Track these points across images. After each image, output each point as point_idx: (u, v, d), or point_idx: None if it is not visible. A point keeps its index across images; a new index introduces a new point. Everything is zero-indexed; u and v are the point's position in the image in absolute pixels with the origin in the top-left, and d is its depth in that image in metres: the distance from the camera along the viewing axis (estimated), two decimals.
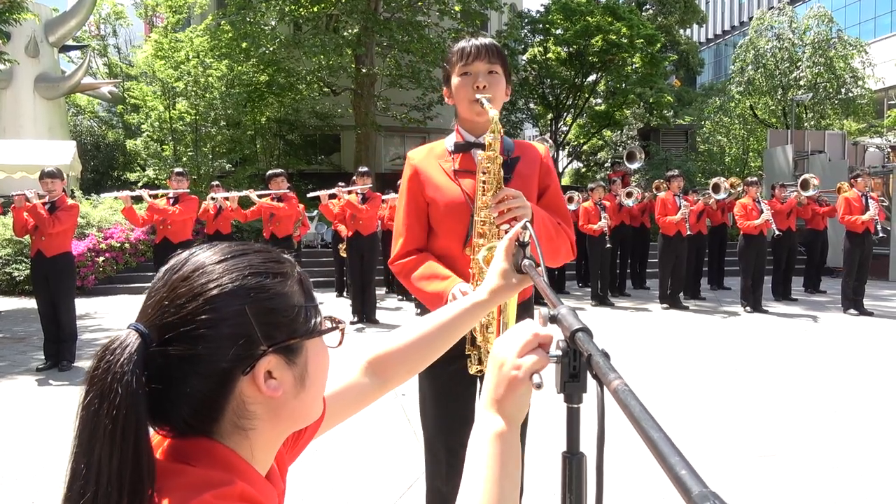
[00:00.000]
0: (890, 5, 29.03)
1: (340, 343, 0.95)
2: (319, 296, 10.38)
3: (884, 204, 10.61)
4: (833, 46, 21.58)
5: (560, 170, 24.00)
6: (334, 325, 0.90)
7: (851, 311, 8.17)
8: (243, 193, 7.10)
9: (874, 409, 4.19)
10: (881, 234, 8.31)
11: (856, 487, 2.99)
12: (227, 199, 7.60)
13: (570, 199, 9.37)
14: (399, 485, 2.98)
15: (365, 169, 7.57)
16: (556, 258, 1.78)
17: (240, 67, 15.12)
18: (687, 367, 5.41)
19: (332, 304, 9.24)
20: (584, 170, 27.48)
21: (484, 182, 1.65)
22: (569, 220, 1.86)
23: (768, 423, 3.93)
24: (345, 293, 9.64)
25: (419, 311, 7.98)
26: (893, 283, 11.51)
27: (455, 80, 1.77)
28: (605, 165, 24.05)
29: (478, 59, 1.73)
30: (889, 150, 16.10)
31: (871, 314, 8.05)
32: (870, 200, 8.07)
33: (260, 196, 6.87)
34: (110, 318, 8.02)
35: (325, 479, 3.08)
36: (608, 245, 8.95)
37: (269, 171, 7.13)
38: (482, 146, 1.73)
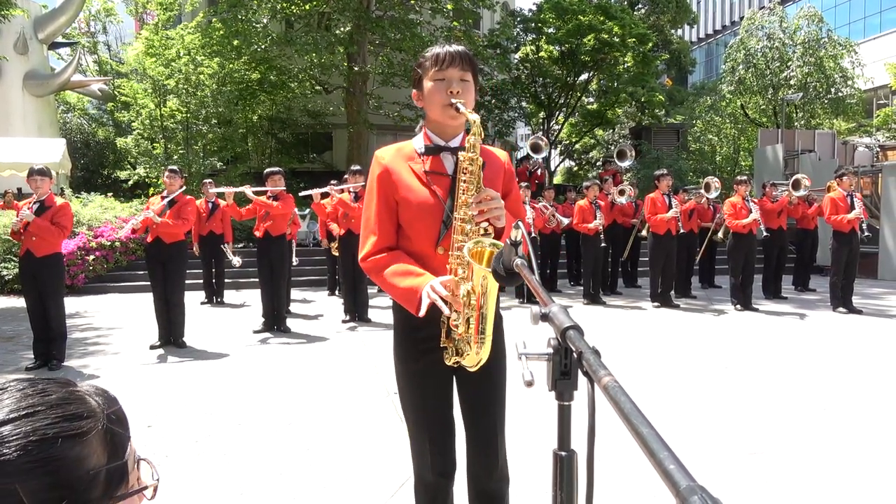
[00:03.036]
0: (879, 6, 29.24)
1: (154, 496, 0.83)
2: (311, 294, 10.29)
3: (866, 197, 10.69)
4: (823, 46, 21.73)
5: (552, 168, 24.04)
6: (141, 488, 0.79)
7: (840, 309, 8.23)
8: (239, 189, 7.04)
9: (863, 407, 4.23)
10: (867, 234, 8.38)
11: (844, 484, 3.02)
12: (221, 195, 7.54)
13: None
14: (391, 483, 2.99)
15: (357, 167, 7.56)
16: None
17: (231, 65, 15.05)
18: (677, 365, 5.44)
19: (324, 303, 9.24)
20: (576, 168, 27.55)
21: (465, 182, 1.71)
22: (525, 223, 1.93)
23: (757, 420, 3.97)
24: (337, 292, 9.64)
25: None
26: (882, 282, 11.61)
27: (428, 84, 1.81)
28: (597, 164, 24.11)
29: (452, 66, 1.78)
30: (878, 149, 16.23)
31: (860, 312, 8.11)
32: (855, 200, 8.14)
33: (256, 193, 6.82)
34: (100, 317, 7.99)
35: (317, 478, 3.09)
36: (602, 244, 8.99)
37: (267, 169, 7.08)
38: (452, 150, 1.81)
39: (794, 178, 9.81)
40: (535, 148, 13.03)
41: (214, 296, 9.33)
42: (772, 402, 4.36)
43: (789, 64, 21.88)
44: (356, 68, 15.65)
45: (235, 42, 14.87)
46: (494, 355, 1.84)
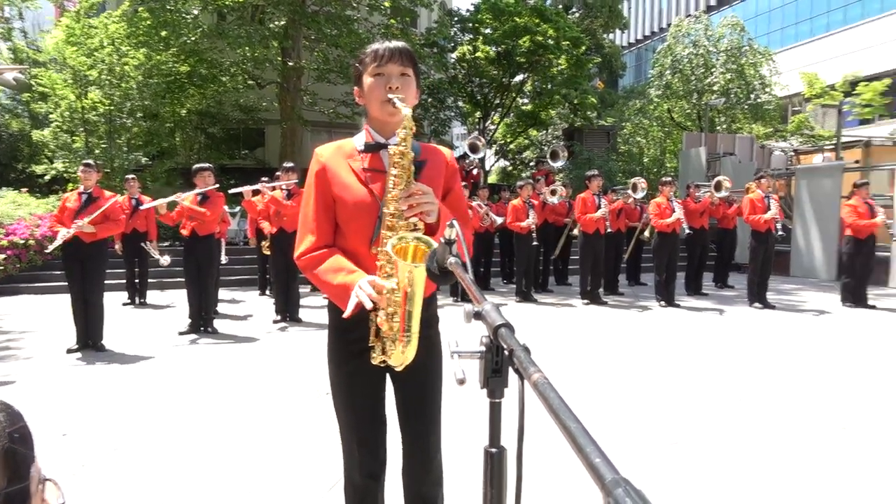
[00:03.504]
0: (795, 17, 30.95)
1: None
2: (241, 294, 10.01)
3: (781, 199, 11.29)
4: (744, 54, 22.82)
5: (487, 168, 24.29)
6: None
7: (756, 304, 8.68)
8: (169, 199, 6.70)
9: (775, 396, 4.47)
10: (781, 233, 8.87)
11: (759, 470, 3.18)
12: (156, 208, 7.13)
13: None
14: (323, 484, 2.95)
15: (290, 164, 7.41)
16: None
17: (158, 56, 14.46)
18: (605, 360, 5.61)
19: (255, 303, 9.02)
20: (510, 168, 27.93)
21: (395, 176, 1.69)
22: (468, 222, 1.94)
23: (679, 411, 4.13)
24: (268, 291, 9.44)
25: None
26: (794, 278, 12.30)
27: (368, 80, 1.80)
28: (531, 164, 24.53)
29: (391, 62, 1.77)
30: (792, 153, 17.19)
31: (773, 307, 8.58)
32: (771, 201, 8.61)
33: (184, 198, 6.56)
34: (11, 320, 7.54)
35: (246, 483, 3.01)
36: (535, 242, 9.15)
37: (196, 166, 6.81)
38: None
39: (716, 179, 10.26)
40: (473, 148, 13.12)
41: (137, 296, 8.95)
42: (693, 393, 4.55)
43: (713, 70, 22.87)
44: (291, 63, 15.34)
45: (163, 33, 14.30)
46: (429, 355, 1.84)
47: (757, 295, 8.73)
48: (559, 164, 14.43)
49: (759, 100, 22.76)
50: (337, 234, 1.85)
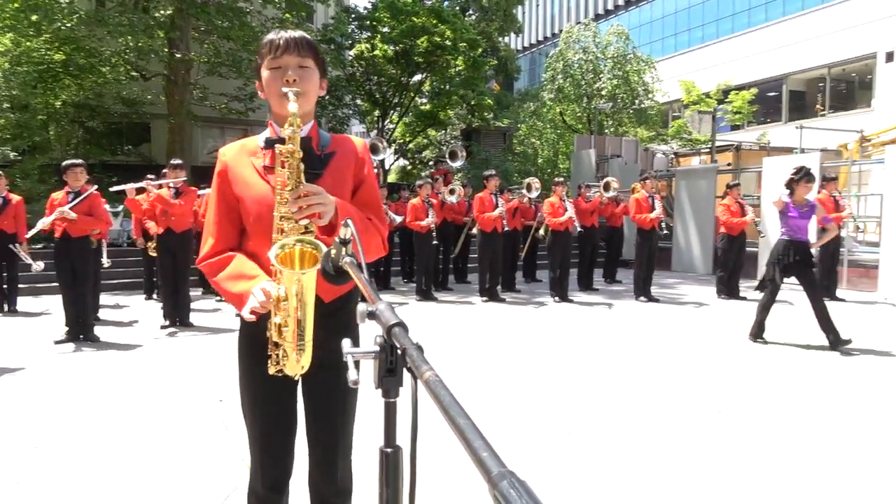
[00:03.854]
0: (674, 28, 33.04)
1: None
2: (125, 299, 9.44)
3: (663, 199, 12.01)
4: (629, 62, 24.09)
5: (387, 167, 24.24)
6: None
7: (642, 298, 9.21)
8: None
9: (660, 384, 4.77)
10: (665, 231, 9.46)
11: (646, 453, 3.37)
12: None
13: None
14: (218, 493, 2.83)
15: (178, 161, 7.05)
16: (367, 254, 1.76)
17: (29, 43, 13.29)
18: (504, 355, 5.75)
19: (140, 308, 8.53)
20: (409, 167, 28.02)
21: (284, 177, 1.62)
22: (382, 215, 1.86)
23: (572, 401, 4.31)
24: (155, 295, 8.95)
25: (238, 312, 7.60)
26: (675, 273, 13.14)
27: (265, 73, 1.72)
28: (430, 163, 24.73)
29: (287, 53, 1.68)
30: (673, 155, 18.37)
31: (657, 300, 9.14)
32: (655, 200, 9.17)
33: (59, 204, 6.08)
34: None
35: (140, 492, 2.84)
36: (434, 241, 9.23)
37: (66, 161, 6.32)
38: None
39: (605, 180, 10.78)
40: (374, 149, 13.01)
41: (6, 303, 8.21)
42: (586, 383, 4.76)
43: (601, 76, 23.99)
44: (178, 55, 14.59)
45: (34, 17, 13.17)
46: (345, 364, 1.78)
47: (642, 289, 9.26)
48: (458, 163, 14.64)
49: (642, 105, 24.12)
50: (244, 235, 1.77)
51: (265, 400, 1.78)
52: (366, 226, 1.73)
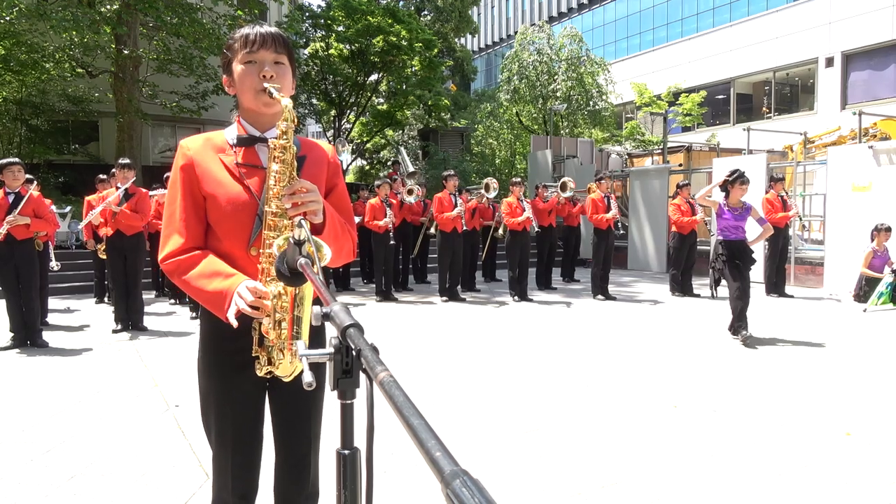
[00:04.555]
0: (626, 31, 33.69)
1: None
2: (76, 303, 9.15)
3: (618, 199, 12.24)
4: (583, 64, 24.46)
5: (345, 167, 24.06)
6: None
7: (599, 296, 9.37)
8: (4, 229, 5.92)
9: (618, 380, 4.85)
10: (621, 231, 9.65)
11: (605, 448, 3.43)
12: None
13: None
14: (174, 501, 2.76)
15: (126, 161, 6.84)
16: (339, 257, 1.72)
17: None
18: (464, 354, 5.77)
19: (91, 312, 8.26)
20: (367, 167, 27.89)
21: (277, 172, 1.58)
22: (352, 220, 1.84)
23: (533, 399, 4.35)
24: (106, 299, 8.69)
25: (194, 314, 7.46)
26: (632, 271, 13.41)
27: (238, 67, 1.66)
28: (388, 163, 24.66)
29: (263, 48, 1.64)
30: (626, 156, 18.73)
31: (614, 299, 9.31)
32: (611, 200, 9.33)
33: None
34: None
35: (92, 499, 2.75)
36: (392, 242, 9.21)
37: (2, 161, 6.07)
38: (268, 141, 1.64)
39: (562, 180, 10.93)
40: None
41: None
42: (545, 381, 4.81)
43: (556, 77, 24.29)
44: (126, 51, 14.18)
45: None
46: (312, 366, 1.75)
47: (600, 288, 9.41)
48: (411, 182, 14.52)
49: (597, 107, 24.51)
50: (210, 236, 1.69)
51: (237, 406, 1.71)
52: (343, 229, 1.72)
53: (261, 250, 1.59)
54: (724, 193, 6.29)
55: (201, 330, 1.76)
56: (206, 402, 1.75)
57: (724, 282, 6.38)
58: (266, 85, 1.61)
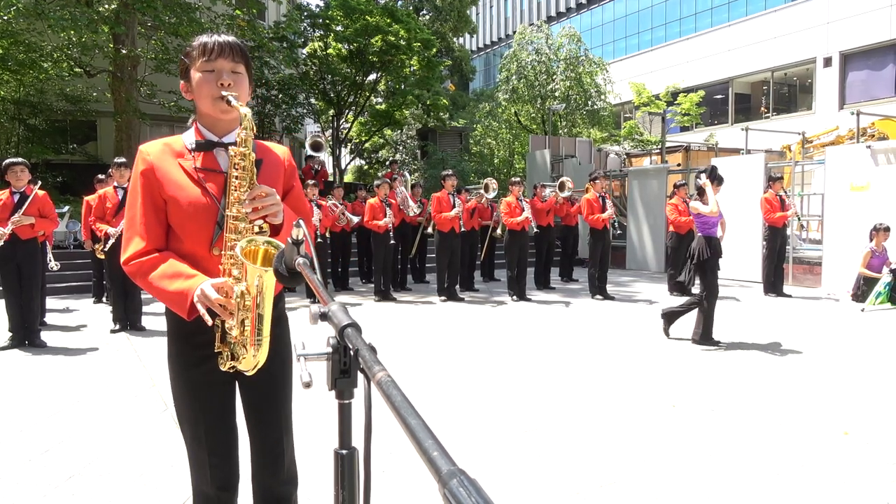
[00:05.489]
0: (625, 31, 33.70)
1: None
2: (74, 303, 9.12)
3: (616, 198, 12.25)
4: (581, 63, 24.46)
5: (343, 167, 24.06)
6: None
7: (597, 296, 9.37)
8: (9, 230, 5.93)
9: (616, 381, 4.86)
10: (618, 231, 9.65)
11: (604, 451, 3.44)
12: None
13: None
14: (174, 499, 2.77)
15: (122, 160, 6.83)
16: None
17: None
18: (463, 354, 5.77)
19: (90, 312, 8.26)
20: (366, 167, 27.88)
21: (237, 178, 1.64)
22: (310, 221, 1.91)
23: (531, 399, 4.36)
24: (104, 298, 8.67)
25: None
26: (630, 271, 13.41)
27: (197, 75, 1.71)
28: (387, 163, 24.66)
29: (221, 57, 1.69)
30: (625, 156, 18.73)
31: (613, 298, 9.31)
32: (606, 200, 9.34)
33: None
34: None
35: (92, 499, 2.75)
36: (392, 241, 9.20)
37: (6, 161, 6.08)
38: (226, 146, 1.71)
39: (560, 180, 10.93)
40: (316, 147, 12.84)
41: None
42: (543, 381, 4.81)
43: (554, 77, 24.29)
44: (124, 51, 14.16)
45: None
46: (278, 355, 1.79)
47: (598, 287, 9.41)
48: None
49: (595, 106, 24.52)
50: (171, 238, 1.74)
51: (208, 399, 1.77)
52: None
53: (222, 251, 1.65)
54: (701, 193, 6.35)
55: (168, 326, 1.81)
56: (176, 396, 1.81)
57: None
58: (224, 93, 1.67)
